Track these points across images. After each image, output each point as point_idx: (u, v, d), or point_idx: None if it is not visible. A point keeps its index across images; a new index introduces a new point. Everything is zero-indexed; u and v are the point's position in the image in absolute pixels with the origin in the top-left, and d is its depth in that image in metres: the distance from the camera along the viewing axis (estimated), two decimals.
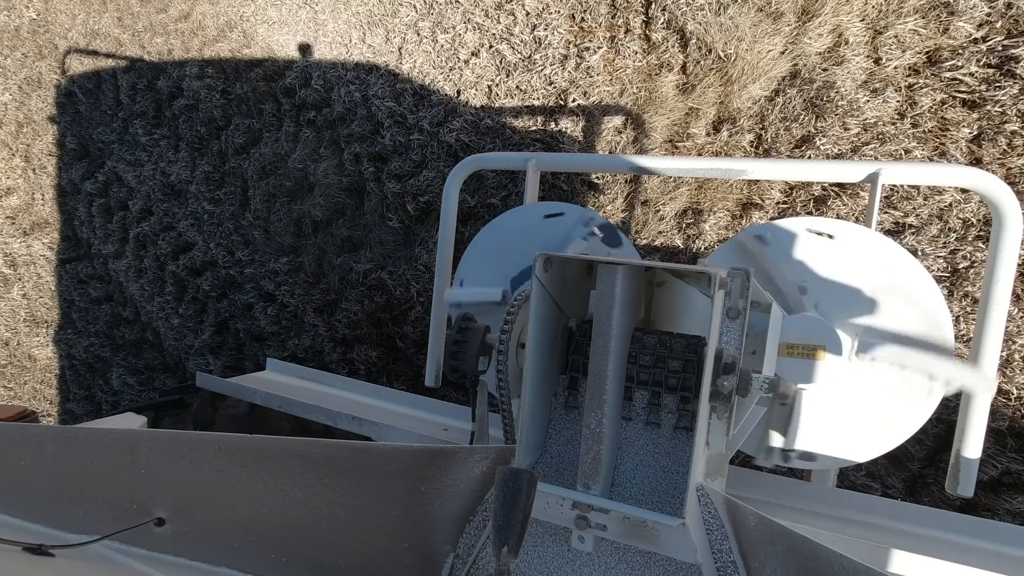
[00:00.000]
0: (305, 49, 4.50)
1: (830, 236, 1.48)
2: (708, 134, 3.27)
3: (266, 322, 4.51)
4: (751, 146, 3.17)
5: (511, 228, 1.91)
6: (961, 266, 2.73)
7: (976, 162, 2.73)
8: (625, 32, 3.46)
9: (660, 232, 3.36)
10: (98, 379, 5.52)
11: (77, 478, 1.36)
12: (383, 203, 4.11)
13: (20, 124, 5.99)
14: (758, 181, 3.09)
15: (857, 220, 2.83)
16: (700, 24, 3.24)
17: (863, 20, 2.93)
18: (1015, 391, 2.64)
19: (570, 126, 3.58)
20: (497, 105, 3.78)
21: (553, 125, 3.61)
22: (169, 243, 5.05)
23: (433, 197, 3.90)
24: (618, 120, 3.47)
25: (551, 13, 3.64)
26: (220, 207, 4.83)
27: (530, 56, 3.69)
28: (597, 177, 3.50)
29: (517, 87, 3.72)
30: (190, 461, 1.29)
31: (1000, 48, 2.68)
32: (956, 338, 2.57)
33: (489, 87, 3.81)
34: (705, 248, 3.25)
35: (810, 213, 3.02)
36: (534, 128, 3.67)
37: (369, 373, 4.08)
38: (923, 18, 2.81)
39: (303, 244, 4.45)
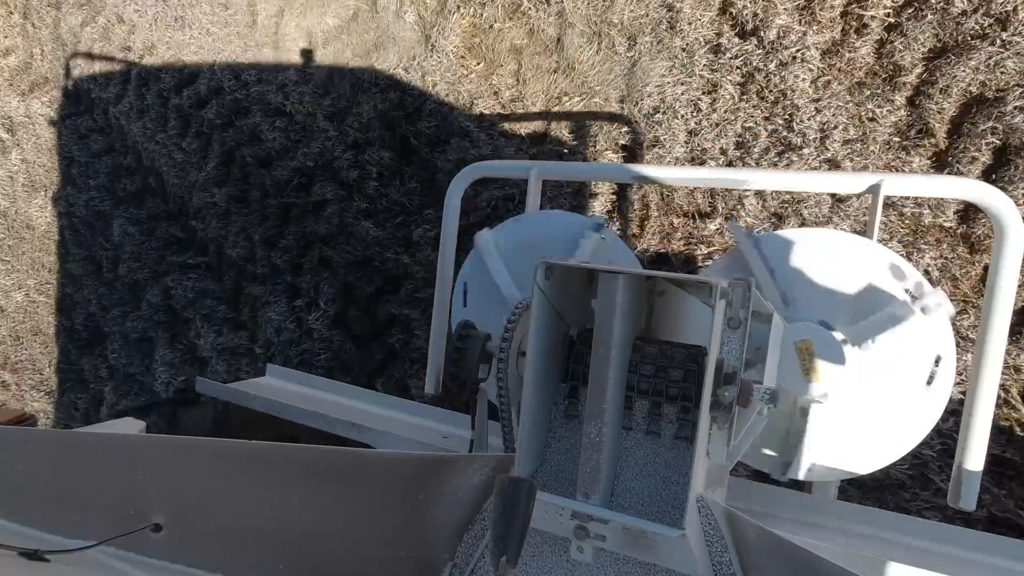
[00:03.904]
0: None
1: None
2: None
3: (274, 136, 4.37)
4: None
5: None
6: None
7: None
8: None
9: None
10: (98, 236, 5.32)
11: (74, 483, 1.36)
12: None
13: None
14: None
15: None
16: None
17: None
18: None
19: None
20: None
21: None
22: (172, 76, 4.87)
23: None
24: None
25: None
26: (227, 29, 4.65)
27: None
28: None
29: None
30: (188, 467, 1.29)
31: None
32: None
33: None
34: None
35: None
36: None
37: (381, 176, 4.00)
38: None
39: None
